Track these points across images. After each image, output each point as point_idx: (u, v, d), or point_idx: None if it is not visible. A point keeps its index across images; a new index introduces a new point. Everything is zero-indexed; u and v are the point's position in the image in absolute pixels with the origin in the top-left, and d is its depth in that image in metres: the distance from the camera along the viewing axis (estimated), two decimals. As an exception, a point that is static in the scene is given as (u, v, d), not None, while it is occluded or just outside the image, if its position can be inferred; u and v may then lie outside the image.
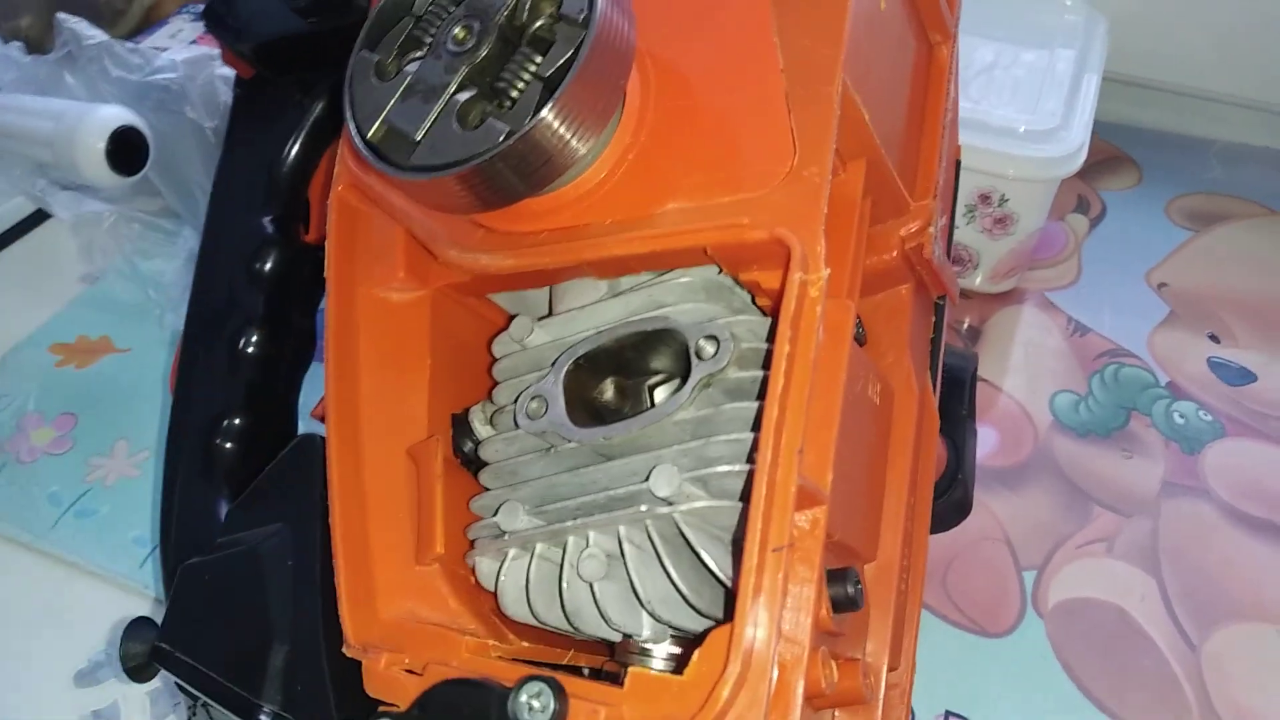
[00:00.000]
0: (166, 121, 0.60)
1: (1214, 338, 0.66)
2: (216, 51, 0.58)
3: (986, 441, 0.59)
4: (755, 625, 0.25)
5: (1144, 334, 0.66)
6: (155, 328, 0.64)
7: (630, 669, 0.26)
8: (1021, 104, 0.61)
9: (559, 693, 0.25)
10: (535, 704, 0.25)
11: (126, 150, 0.55)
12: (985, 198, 0.61)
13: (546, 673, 0.26)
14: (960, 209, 0.62)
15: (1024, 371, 0.64)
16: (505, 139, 0.28)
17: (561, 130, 0.29)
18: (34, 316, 0.66)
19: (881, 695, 0.36)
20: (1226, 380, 0.63)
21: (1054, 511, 0.56)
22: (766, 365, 0.31)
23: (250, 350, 0.44)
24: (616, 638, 0.32)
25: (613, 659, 0.34)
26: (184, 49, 0.74)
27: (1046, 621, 0.51)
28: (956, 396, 0.47)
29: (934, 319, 0.42)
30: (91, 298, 0.67)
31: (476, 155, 0.29)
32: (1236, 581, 0.53)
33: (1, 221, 0.71)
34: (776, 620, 0.25)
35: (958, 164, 0.44)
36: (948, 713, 0.47)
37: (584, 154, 0.30)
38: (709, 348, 0.30)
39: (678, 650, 0.32)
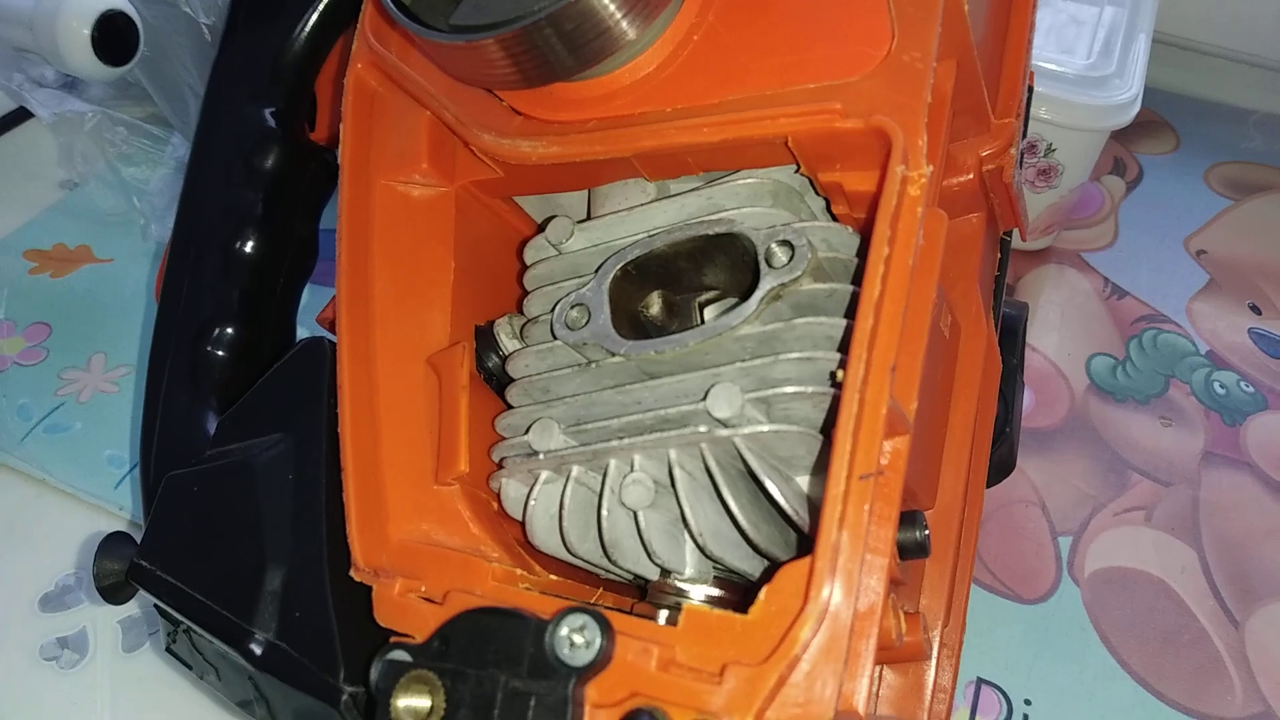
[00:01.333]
0: (158, 14, 0.55)
1: (1254, 308, 0.63)
2: (217, -62, 0.53)
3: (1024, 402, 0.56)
4: (837, 563, 0.22)
5: (1183, 300, 0.63)
6: (139, 239, 0.60)
7: (685, 606, 0.23)
8: (1074, 47, 0.57)
9: (605, 627, 0.22)
10: (578, 639, 0.22)
11: (114, 37, 0.50)
12: (1031, 146, 0.57)
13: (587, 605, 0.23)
14: (1004, 156, 0.58)
15: (1059, 331, 0.61)
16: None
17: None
18: (8, 220, 0.61)
19: (935, 654, 0.33)
20: (1269, 352, 0.60)
21: (1090, 477, 0.53)
22: (845, 279, 0.28)
23: (245, 254, 0.40)
24: (654, 574, 0.28)
25: (643, 601, 0.30)
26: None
27: (1083, 589, 0.48)
28: (1008, 346, 0.44)
29: (999, 256, 0.39)
30: (71, 204, 0.63)
31: (525, 16, 0.25)
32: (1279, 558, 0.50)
33: (-22, 117, 0.66)
34: (859, 559, 0.22)
35: (1030, 89, 0.40)
36: (980, 680, 0.45)
37: (642, 32, 0.27)
38: (781, 254, 0.27)
39: (718, 593, 0.28)
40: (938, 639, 0.34)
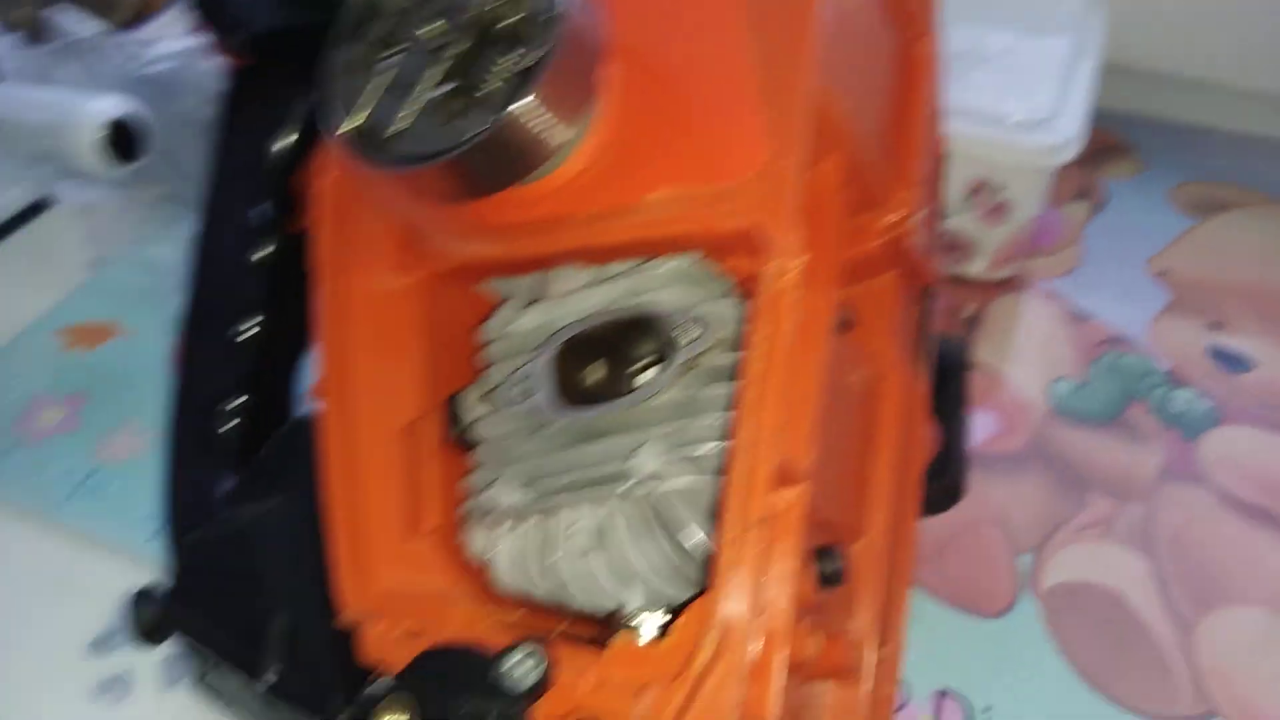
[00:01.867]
0: (165, 110, 0.61)
1: (1216, 325, 0.67)
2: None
3: (985, 427, 0.59)
4: (731, 594, 0.26)
5: (1145, 321, 0.67)
6: (161, 311, 0.65)
7: (618, 634, 0.27)
8: (1015, 92, 0.61)
9: (544, 656, 0.26)
10: (523, 668, 0.26)
11: (125, 138, 0.55)
12: (979, 187, 0.61)
13: (536, 636, 0.27)
14: (959, 196, 0.62)
15: (1024, 358, 0.64)
16: (484, 130, 0.29)
17: (538, 120, 0.30)
18: (41, 302, 0.67)
19: (872, 669, 0.37)
20: (1227, 368, 0.63)
21: (1051, 496, 0.56)
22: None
23: (247, 337, 0.44)
24: (612, 606, 0.32)
25: (608, 627, 0.34)
26: (180, 39, 0.75)
27: (1042, 603, 0.51)
28: (949, 384, 0.47)
29: (922, 306, 0.43)
30: (97, 283, 0.68)
31: (457, 146, 0.29)
32: (1232, 566, 0.53)
33: (5, 209, 0.72)
34: (754, 590, 0.26)
35: (941, 157, 0.44)
36: (943, 690, 0.48)
37: (562, 144, 0.31)
38: (693, 331, 0.31)
39: (670, 619, 0.32)
40: (874, 656, 0.37)
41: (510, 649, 0.26)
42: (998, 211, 0.62)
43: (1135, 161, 0.80)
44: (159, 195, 0.69)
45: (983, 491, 0.56)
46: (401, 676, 0.28)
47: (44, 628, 0.50)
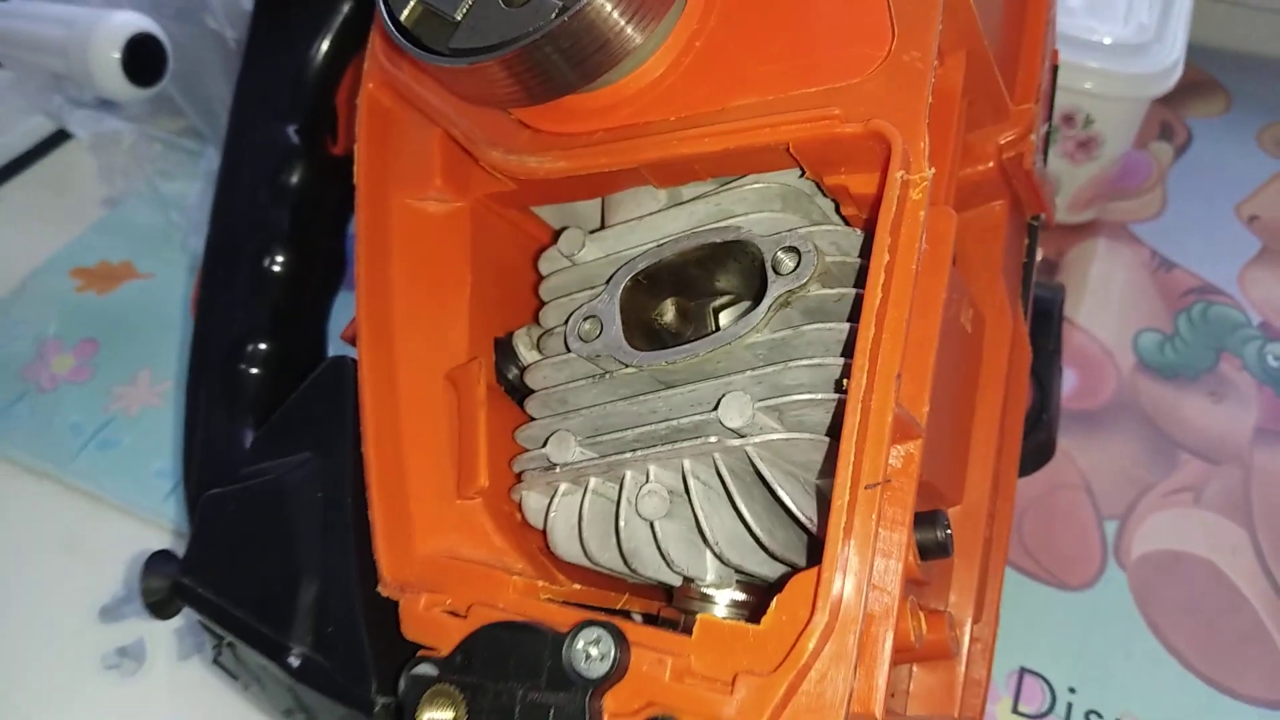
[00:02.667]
0: (186, 32, 0.56)
1: (1310, 275, 0.61)
2: (240, -46, 0.54)
3: (1065, 381, 0.54)
4: (845, 571, 0.22)
5: (1234, 270, 0.62)
6: (178, 252, 0.61)
7: (699, 616, 0.23)
8: (1111, 14, 0.56)
9: (619, 639, 0.22)
10: (593, 651, 0.22)
11: (143, 60, 0.51)
12: (1069, 118, 0.56)
13: (603, 617, 0.23)
14: (1039, 131, 0.57)
15: (1105, 308, 0.60)
16: (556, 16, 0.25)
17: (618, 10, 0.25)
18: (54, 240, 0.63)
19: (965, 650, 0.33)
20: (1325, 321, 0.58)
21: (1137, 458, 0.52)
22: (853, 283, 0.27)
23: (275, 270, 0.40)
24: (677, 581, 0.28)
25: (669, 605, 0.30)
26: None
27: (1129, 574, 0.47)
28: (1044, 329, 0.43)
29: (1027, 241, 0.38)
30: (112, 221, 0.64)
31: (523, 36, 0.25)
32: (1336, 536, 0.48)
33: (20, 142, 0.68)
34: (868, 565, 0.22)
35: (1054, 69, 0.39)
36: (1022, 669, 0.44)
37: (643, 41, 0.27)
38: (788, 261, 0.27)
39: (743, 597, 0.28)
40: (969, 635, 0.33)
41: (579, 629, 0.22)
42: (1086, 146, 0.57)
43: (1221, 99, 0.74)
44: (177, 129, 0.65)
45: (1065, 451, 0.51)
46: (450, 660, 0.24)
47: (51, 593, 0.47)
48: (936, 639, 0.28)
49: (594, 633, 0.23)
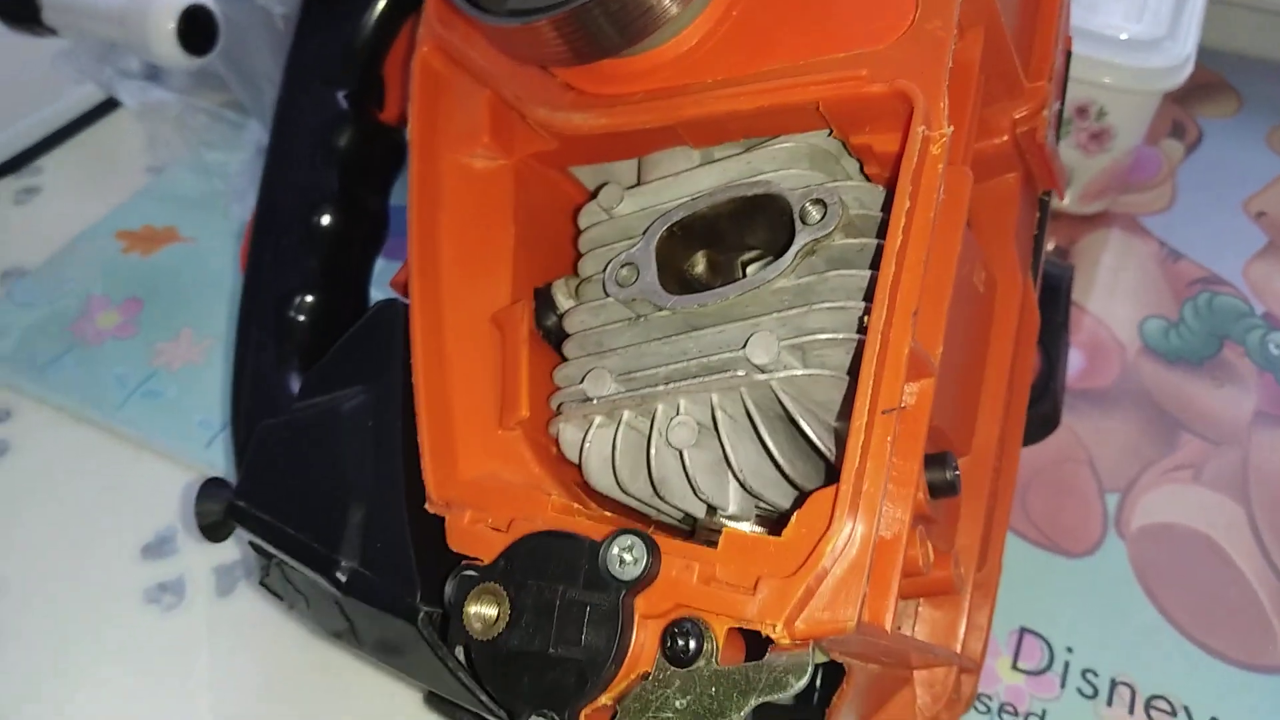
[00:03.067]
0: (234, 8, 0.58)
1: (1314, 270, 0.63)
2: (290, -69, 0.56)
3: (1073, 363, 0.56)
4: (861, 488, 0.24)
5: (1240, 263, 0.63)
6: (220, 219, 0.63)
7: (725, 529, 0.25)
8: (1126, 11, 0.58)
9: (652, 546, 0.24)
10: (627, 556, 0.24)
11: (196, 29, 0.53)
12: (1082, 110, 0.58)
13: (639, 527, 0.25)
14: (1054, 122, 0.59)
15: (1113, 295, 0.61)
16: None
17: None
18: (101, 204, 0.65)
19: (969, 592, 0.35)
20: (1326, 313, 0.60)
21: (1140, 436, 0.54)
22: (874, 234, 0.29)
23: (323, 227, 0.43)
24: (701, 511, 0.30)
25: (692, 539, 0.33)
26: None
27: (1129, 545, 0.49)
28: (1052, 304, 0.45)
29: (1039, 215, 0.40)
30: (157, 188, 0.67)
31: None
32: (1330, 516, 0.50)
33: (71, 109, 0.71)
34: (883, 485, 0.24)
35: (1068, 54, 0.41)
36: (1023, 629, 0.46)
37: (682, 10, 0.29)
38: (815, 212, 0.29)
39: (761, 530, 0.30)
40: (972, 579, 0.35)
41: (615, 535, 0.25)
42: (1098, 139, 0.59)
43: (1232, 100, 0.76)
44: (222, 101, 0.67)
45: (1070, 428, 0.53)
46: (494, 566, 0.26)
47: (97, 532, 0.49)
48: (943, 574, 0.30)
49: (628, 539, 0.25)
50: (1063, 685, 0.44)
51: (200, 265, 0.62)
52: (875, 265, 0.29)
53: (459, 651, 0.27)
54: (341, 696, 0.43)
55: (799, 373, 0.28)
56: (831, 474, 0.28)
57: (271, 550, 0.32)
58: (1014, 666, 0.45)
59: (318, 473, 0.32)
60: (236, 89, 0.66)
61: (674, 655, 0.23)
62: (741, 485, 0.29)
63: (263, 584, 0.35)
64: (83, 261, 0.62)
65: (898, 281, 0.25)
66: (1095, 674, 0.44)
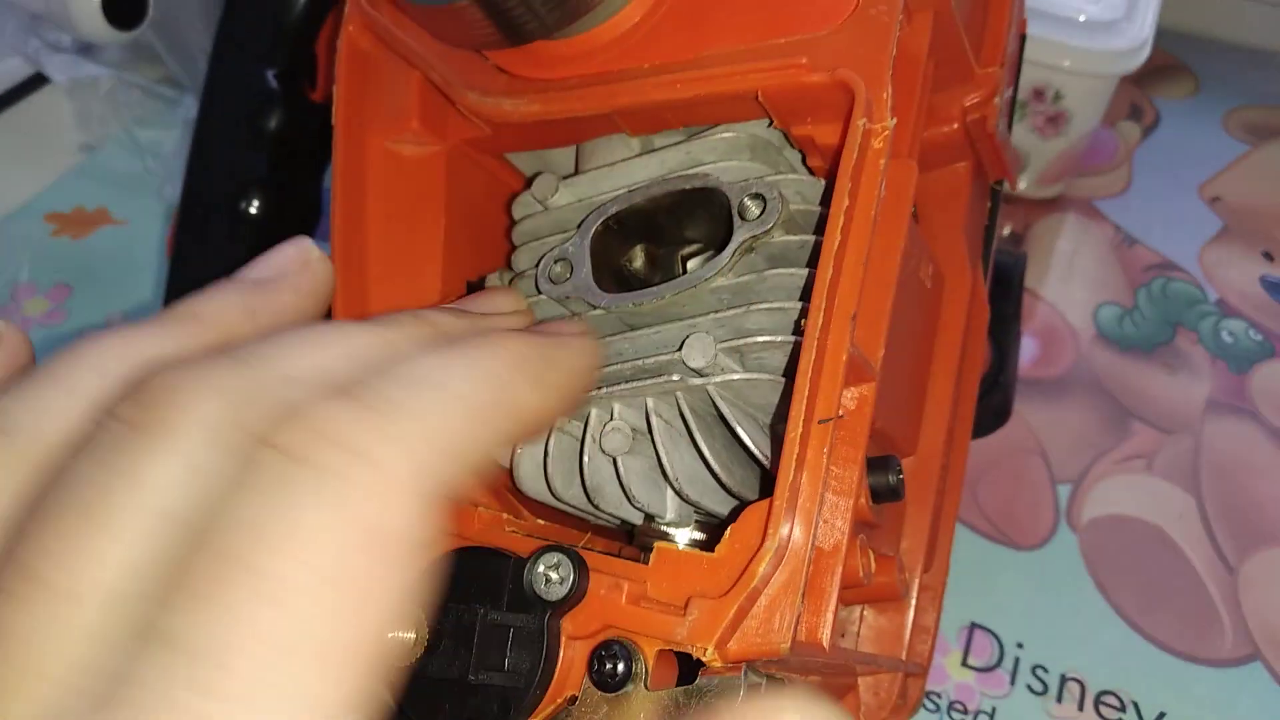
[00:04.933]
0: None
1: (1268, 255, 0.63)
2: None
3: (1026, 351, 0.56)
4: (795, 501, 0.23)
5: (1195, 248, 0.63)
6: (154, 200, 0.61)
7: (656, 545, 0.24)
8: (1084, -8, 0.57)
9: (579, 564, 0.23)
10: (553, 574, 0.23)
11: (123, 2, 0.51)
12: (1039, 93, 0.57)
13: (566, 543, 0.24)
14: (1010, 105, 0.58)
15: (1068, 281, 0.61)
16: (533, -41, 0.25)
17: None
18: (29, 185, 0.63)
19: (914, 595, 0.34)
20: (1279, 299, 0.60)
21: (1092, 426, 0.53)
22: (816, 230, 0.28)
23: (251, 214, 0.41)
24: (638, 519, 0.29)
25: (631, 544, 0.31)
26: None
27: (1080, 536, 0.49)
28: (1004, 295, 0.44)
29: (990, 205, 0.39)
30: (89, 167, 0.64)
31: (500, -23, 0.26)
32: (1278, 504, 0.50)
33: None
34: (818, 498, 0.23)
35: (1022, 38, 0.40)
36: (973, 624, 0.46)
37: (618, -11, 0.27)
38: (754, 207, 0.27)
39: (701, 536, 0.29)
40: (918, 583, 0.35)
41: (540, 553, 0.23)
42: (1055, 122, 0.58)
43: (1189, 82, 0.76)
44: (155, 77, 0.65)
45: (1022, 418, 0.53)
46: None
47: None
48: (886, 580, 0.29)
49: (554, 557, 0.23)
50: (1012, 682, 0.43)
51: (132, 248, 0.60)
52: (816, 264, 0.27)
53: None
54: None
55: (736, 377, 0.26)
56: (769, 483, 0.27)
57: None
58: (964, 663, 0.44)
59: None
60: (171, 63, 0.63)
61: (601, 679, 0.22)
62: (678, 494, 0.27)
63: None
64: (10, 246, 0.60)
65: (835, 283, 0.24)
66: (1045, 669, 0.44)
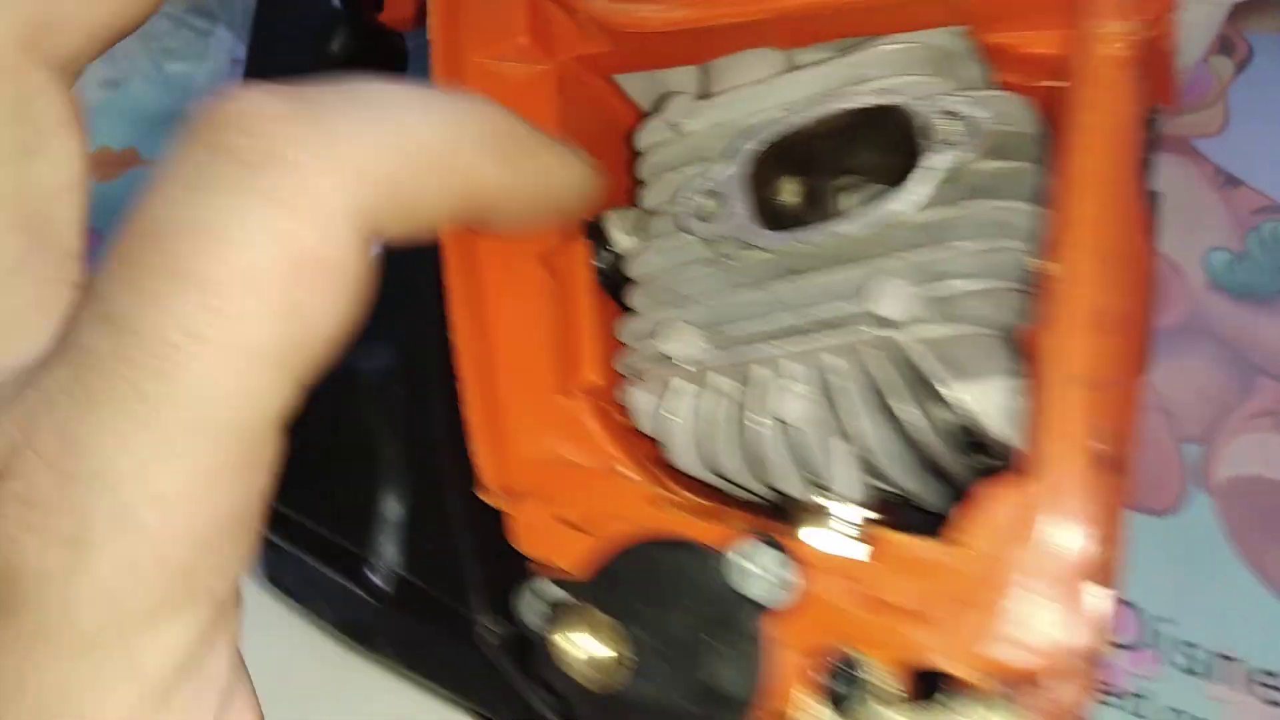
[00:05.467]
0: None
1: (1381, 195, 0.59)
2: None
3: (1140, 299, 0.52)
4: (1055, 481, 0.19)
5: (1305, 189, 0.59)
6: (188, 140, 0.56)
7: (876, 533, 0.20)
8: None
9: (787, 557, 0.19)
10: (763, 572, 0.19)
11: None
12: (1151, 18, 0.52)
13: (760, 528, 0.20)
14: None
15: (1171, 224, 0.56)
16: None
17: None
18: (51, 125, 0.58)
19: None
20: (1399, 242, 0.56)
21: (1216, 379, 0.49)
22: (1027, 157, 0.24)
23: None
24: (800, 492, 0.25)
25: (778, 519, 0.28)
26: None
27: (1215, 499, 0.45)
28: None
29: (1146, 135, 0.35)
30: (115, 105, 0.59)
31: None
32: None
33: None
34: (1083, 479, 0.19)
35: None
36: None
37: None
38: (950, 128, 0.23)
39: (875, 516, 0.25)
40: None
41: (743, 545, 0.19)
42: (1169, 50, 0.53)
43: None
44: (184, 6, 0.60)
45: (1139, 372, 0.49)
46: (595, 585, 0.21)
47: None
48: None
49: (762, 550, 0.19)
50: (1162, 661, 0.40)
51: (165, 193, 0.55)
52: (1027, 197, 0.23)
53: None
54: (362, 701, 0.38)
55: (939, 331, 0.22)
56: (983, 458, 0.23)
57: (283, 545, 0.26)
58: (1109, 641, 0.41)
59: (335, 446, 0.27)
60: (199, -7, 0.58)
61: (827, 697, 0.18)
62: (862, 466, 0.24)
63: (270, 579, 0.29)
64: (32, 190, 0.55)
65: (1084, 219, 0.20)
66: (1193, 646, 0.40)
